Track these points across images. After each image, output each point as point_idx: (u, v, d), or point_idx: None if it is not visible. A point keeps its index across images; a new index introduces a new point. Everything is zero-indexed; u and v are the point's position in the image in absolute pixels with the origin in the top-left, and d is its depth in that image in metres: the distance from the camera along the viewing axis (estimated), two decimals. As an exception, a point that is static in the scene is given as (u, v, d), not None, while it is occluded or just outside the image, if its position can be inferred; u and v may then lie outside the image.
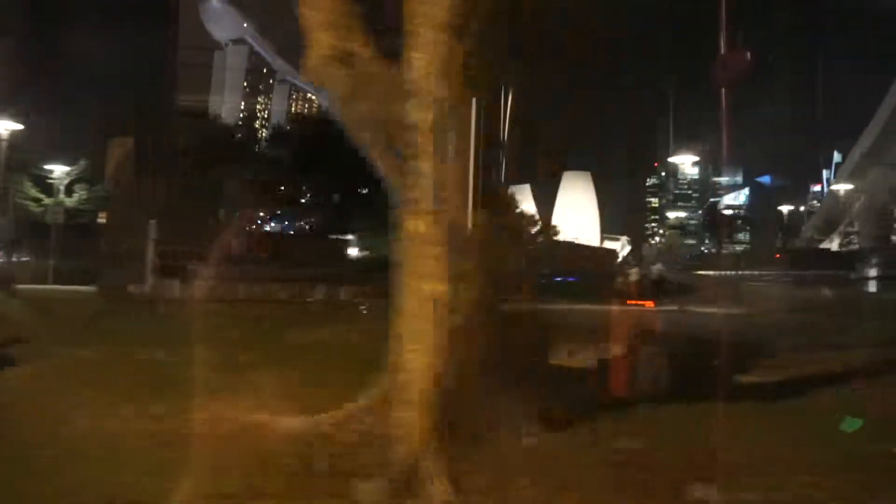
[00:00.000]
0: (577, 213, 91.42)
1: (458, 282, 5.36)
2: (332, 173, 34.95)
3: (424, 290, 5.24)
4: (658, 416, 7.37)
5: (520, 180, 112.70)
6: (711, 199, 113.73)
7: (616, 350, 10.02)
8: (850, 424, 6.68)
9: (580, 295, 20.15)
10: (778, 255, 45.74)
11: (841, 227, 42.82)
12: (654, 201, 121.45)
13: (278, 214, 46.62)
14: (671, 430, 6.84)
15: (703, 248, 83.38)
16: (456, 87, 5.53)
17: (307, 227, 44.40)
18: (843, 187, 49.90)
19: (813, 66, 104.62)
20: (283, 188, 39.93)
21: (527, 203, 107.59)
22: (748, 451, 6.01)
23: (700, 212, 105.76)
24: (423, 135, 5.36)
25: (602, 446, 6.14)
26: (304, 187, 40.17)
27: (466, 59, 5.58)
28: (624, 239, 77.87)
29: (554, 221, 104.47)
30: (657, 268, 19.18)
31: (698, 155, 54.41)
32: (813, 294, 25.69)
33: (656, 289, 19.18)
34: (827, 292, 27.64)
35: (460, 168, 5.50)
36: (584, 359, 10.08)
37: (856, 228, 43.15)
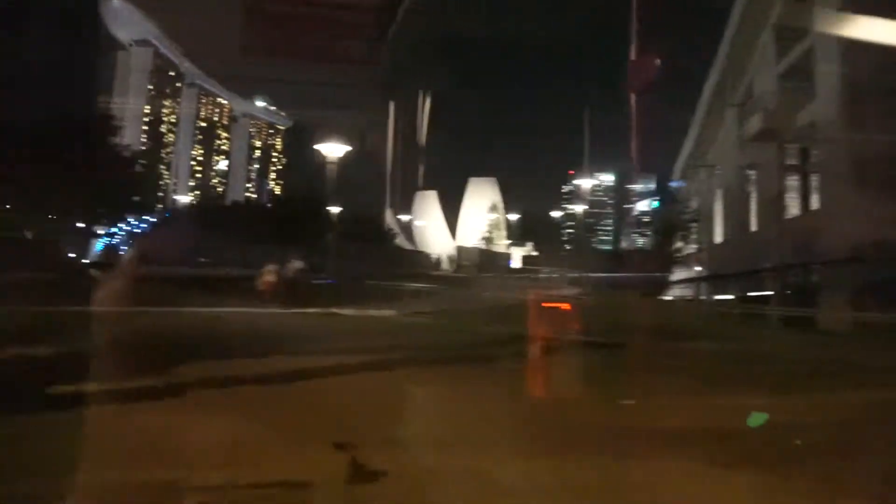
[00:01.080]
0: (482, 219, 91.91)
1: None
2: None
3: None
4: None
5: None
6: (626, 206, 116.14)
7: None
8: (756, 420, 6.40)
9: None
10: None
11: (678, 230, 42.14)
12: (571, 208, 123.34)
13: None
14: None
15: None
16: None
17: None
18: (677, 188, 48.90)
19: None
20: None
21: (434, 208, 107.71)
22: None
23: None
24: None
25: None
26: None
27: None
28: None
29: (459, 226, 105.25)
30: (294, 265, 17.59)
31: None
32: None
33: (295, 289, 17.53)
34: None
35: None
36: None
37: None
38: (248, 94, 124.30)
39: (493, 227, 74.13)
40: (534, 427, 6.35)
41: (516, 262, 72.84)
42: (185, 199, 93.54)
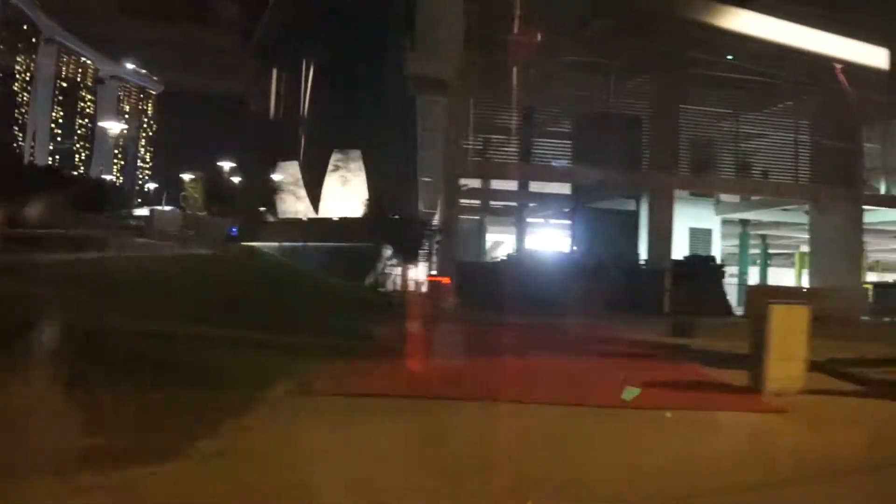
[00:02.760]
0: (346, 191, 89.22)
1: None
2: None
3: None
4: None
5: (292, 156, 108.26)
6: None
7: None
8: (629, 393, 6.78)
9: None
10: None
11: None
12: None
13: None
14: None
15: None
16: None
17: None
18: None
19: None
20: None
21: (295, 179, 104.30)
22: None
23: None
24: None
25: None
26: None
27: None
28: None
29: (323, 198, 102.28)
30: None
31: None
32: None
33: None
34: None
35: None
36: None
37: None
38: (117, 56, 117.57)
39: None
40: None
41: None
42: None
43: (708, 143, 22.36)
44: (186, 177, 57.23)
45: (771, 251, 38.77)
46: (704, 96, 22.14)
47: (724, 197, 27.54)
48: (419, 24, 22.99)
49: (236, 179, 63.17)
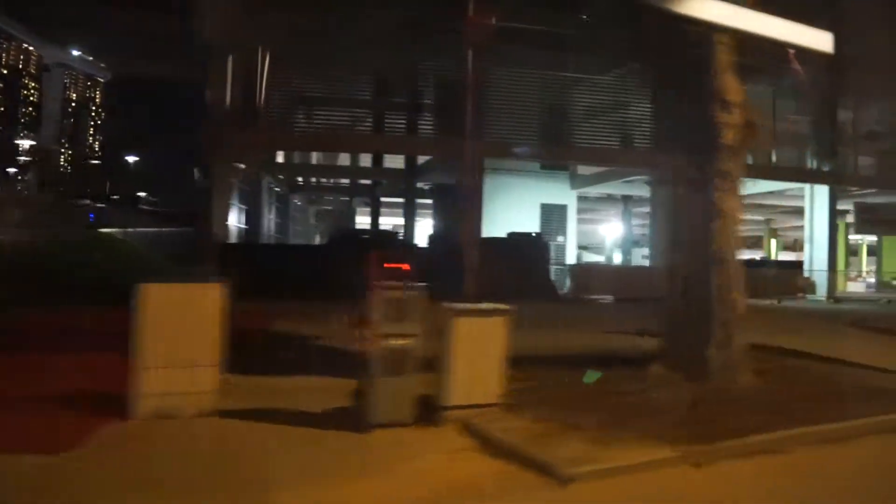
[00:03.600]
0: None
1: None
2: None
3: None
4: None
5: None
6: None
7: None
8: (591, 377, 6.53)
9: None
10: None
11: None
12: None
13: None
14: None
15: None
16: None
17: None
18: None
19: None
20: None
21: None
22: None
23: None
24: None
25: None
26: None
27: None
28: None
29: None
30: None
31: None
32: None
33: None
34: None
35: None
36: None
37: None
38: (63, 43, 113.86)
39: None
40: None
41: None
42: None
43: (528, 109, 19.55)
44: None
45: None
46: (527, 57, 19.29)
47: (581, 169, 24.85)
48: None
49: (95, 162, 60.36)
